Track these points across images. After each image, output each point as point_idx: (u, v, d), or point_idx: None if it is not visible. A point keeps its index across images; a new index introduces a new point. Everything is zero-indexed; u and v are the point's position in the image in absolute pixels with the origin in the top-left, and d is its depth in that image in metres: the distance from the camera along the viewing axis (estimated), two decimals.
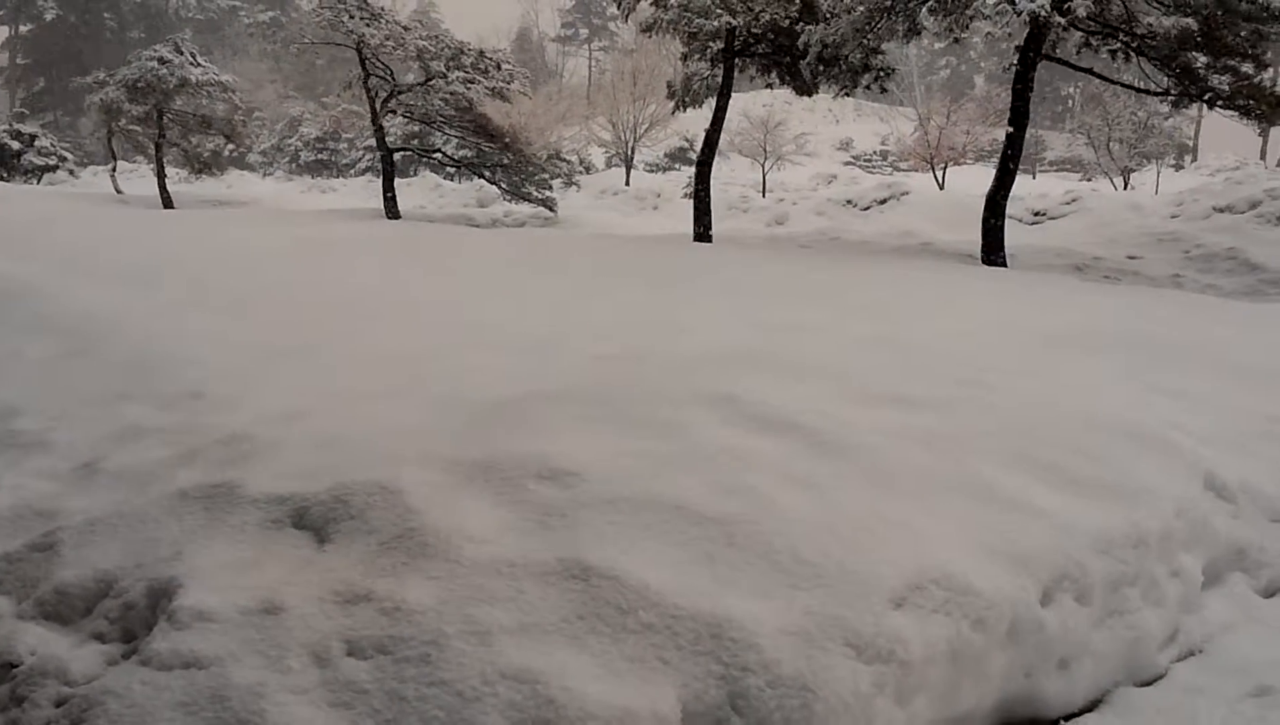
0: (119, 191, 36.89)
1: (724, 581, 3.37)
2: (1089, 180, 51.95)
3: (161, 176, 33.06)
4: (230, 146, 36.60)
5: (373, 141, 33.95)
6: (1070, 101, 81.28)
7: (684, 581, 3.35)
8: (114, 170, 38.34)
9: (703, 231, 23.53)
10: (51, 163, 44.67)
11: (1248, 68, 17.44)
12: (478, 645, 3.04)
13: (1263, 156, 65.23)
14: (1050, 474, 4.56)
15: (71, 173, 45.76)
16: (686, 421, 4.80)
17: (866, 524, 3.81)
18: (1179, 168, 62.12)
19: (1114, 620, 3.92)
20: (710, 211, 23.88)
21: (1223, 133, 57.84)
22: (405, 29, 29.34)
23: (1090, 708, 3.75)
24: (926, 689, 3.22)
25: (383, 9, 29.92)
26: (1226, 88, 17.42)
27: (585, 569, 3.38)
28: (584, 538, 3.59)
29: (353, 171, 61.63)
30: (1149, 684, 3.93)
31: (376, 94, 29.72)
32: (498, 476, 4.07)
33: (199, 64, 32.85)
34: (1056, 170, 64.24)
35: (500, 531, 3.66)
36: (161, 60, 31.63)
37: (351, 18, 28.03)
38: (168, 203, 31.98)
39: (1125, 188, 45.30)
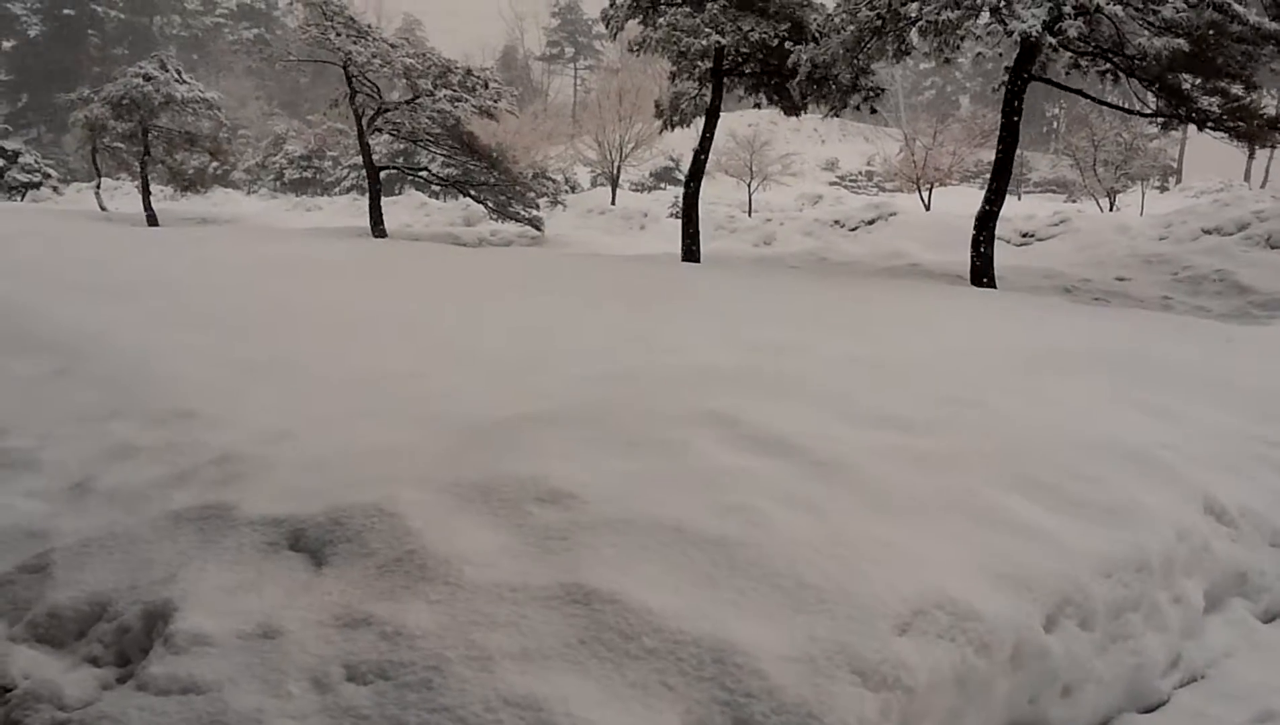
0: (103, 208, 36.95)
1: (727, 605, 3.33)
2: (1074, 201, 52.15)
3: (146, 194, 33.05)
4: (215, 164, 36.62)
5: (358, 159, 33.96)
6: (1055, 122, 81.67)
7: (686, 605, 3.31)
8: (98, 187, 38.39)
9: (691, 251, 23.53)
10: (35, 180, 44.73)
11: (1237, 89, 17.50)
12: (480, 670, 3.00)
13: (1246, 178, 65.62)
14: (1049, 496, 4.53)
15: (55, 190, 45.80)
16: (683, 442, 4.75)
17: (867, 547, 3.77)
18: (1164, 189, 62.48)
19: (1117, 646, 3.88)
20: (699, 231, 23.87)
21: (1206, 155, 58.15)
22: (392, 46, 29.31)
23: None
24: (931, 716, 3.18)
25: (370, 26, 29.90)
26: (1216, 109, 17.49)
27: (587, 593, 3.34)
28: (585, 561, 3.55)
29: (338, 189, 61.50)
30: (1152, 710, 3.90)
31: (363, 112, 29.69)
32: (496, 498, 4.02)
33: (184, 81, 32.87)
34: (1041, 191, 64.57)
35: (500, 554, 3.62)
36: (146, 77, 31.64)
37: (339, 35, 28.00)
38: (152, 220, 31.95)
39: (1111, 209, 45.46)
